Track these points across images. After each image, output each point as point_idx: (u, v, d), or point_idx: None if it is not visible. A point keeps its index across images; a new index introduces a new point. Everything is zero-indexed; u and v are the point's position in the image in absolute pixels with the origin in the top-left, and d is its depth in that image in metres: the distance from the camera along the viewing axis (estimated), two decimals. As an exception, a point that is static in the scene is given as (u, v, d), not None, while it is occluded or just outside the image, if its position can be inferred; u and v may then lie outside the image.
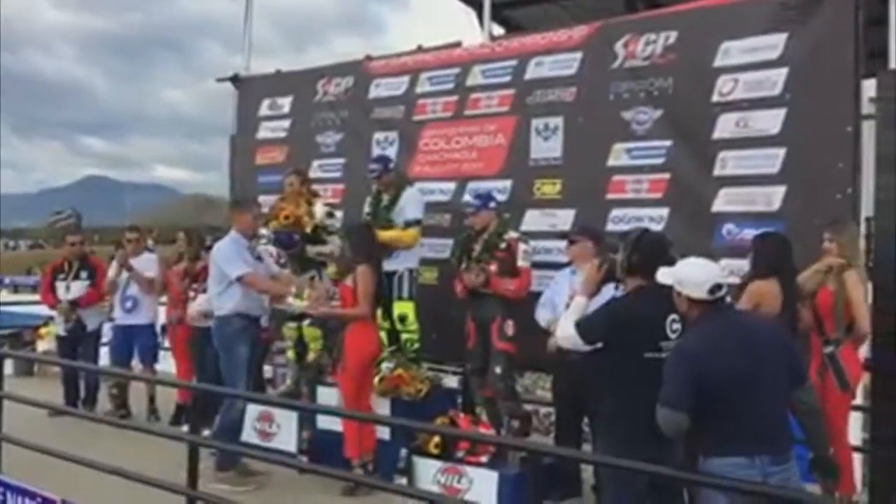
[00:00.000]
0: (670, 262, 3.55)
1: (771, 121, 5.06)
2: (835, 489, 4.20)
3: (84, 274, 7.60)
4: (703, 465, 3.23)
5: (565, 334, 3.74)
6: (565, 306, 4.57)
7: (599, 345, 3.69)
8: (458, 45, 6.82)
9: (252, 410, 6.19)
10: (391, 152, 6.77)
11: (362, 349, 5.40)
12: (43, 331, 9.96)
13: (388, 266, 6.01)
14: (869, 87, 4.78)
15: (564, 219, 5.90)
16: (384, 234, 5.90)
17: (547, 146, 6.05)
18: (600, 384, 3.73)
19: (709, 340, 3.25)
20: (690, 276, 3.35)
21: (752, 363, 3.20)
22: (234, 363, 5.62)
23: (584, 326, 3.67)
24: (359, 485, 5.19)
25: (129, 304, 7.46)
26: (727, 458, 3.16)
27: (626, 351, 3.57)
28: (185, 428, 5.86)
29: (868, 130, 4.78)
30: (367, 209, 6.29)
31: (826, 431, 3.60)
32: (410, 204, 6.09)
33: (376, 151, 6.87)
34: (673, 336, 3.54)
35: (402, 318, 5.99)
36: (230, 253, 5.63)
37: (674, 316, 3.55)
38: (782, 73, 5.05)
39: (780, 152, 5.02)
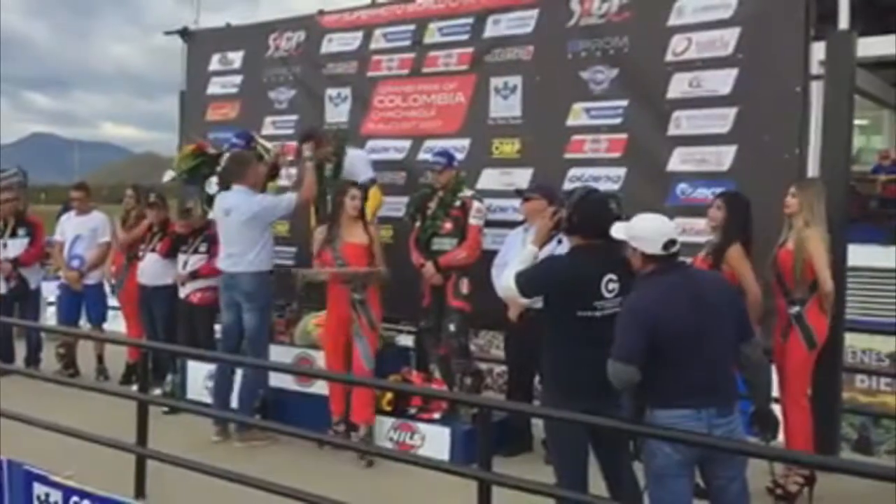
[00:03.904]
0: (610, 223, 3.61)
1: (722, 81, 5.08)
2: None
3: (21, 231, 7.42)
4: (650, 417, 3.31)
5: (507, 285, 3.78)
6: None
7: (539, 303, 3.74)
8: (412, -1, 6.71)
9: (204, 369, 6.16)
10: (344, 109, 6.67)
11: (379, 309, 5.46)
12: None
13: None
14: (818, 50, 4.85)
15: (522, 178, 5.87)
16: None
17: (506, 105, 6.01)
18: (542, 341, 3.79)
19: (661, 295, 3.30)
20: (645, 231, 3.40)
21: (701, 317, 3.26)
22: (269, 321, 5.77)
23: (522, 280, 3.70)
24: (325, 443, 5.20)
25: (77, 264, 7.32)
26: (674, 409, 3.23)
27: (561, 308, 3.64)
28: (134, 387, 5.82)
29: (816, 91, 4.85)
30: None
31: (769, 386, 3.70)
32: (359, 166, 6.02)
33: (329, 108, 6.77)
34: (609, 295, 3.60)
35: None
36: (265, 199, 5.72)
37: (610, 276, 3.60)
38: (734, 32, 5.06)
39: (731, 112, 5.06)
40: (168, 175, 6.59)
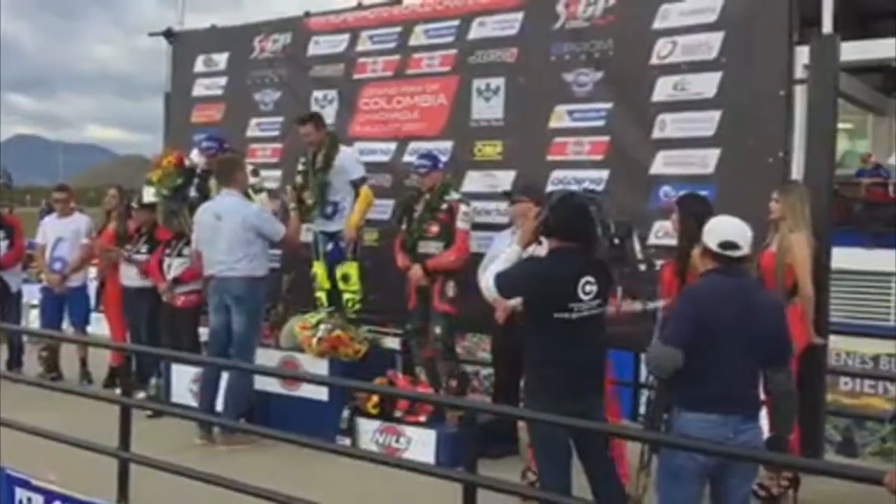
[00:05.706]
0: (588, 226, 3.61)
1: (707, 84, 5.10)
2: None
3: (0, 234, 7.33)
4: (675, 419, 3.29)
5: (488, 285, 3.79)
6: None
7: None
8: (399, 2, 6.71)
9: (188, 373, 6.11)
10: (330, 111, 6.65)
11: None
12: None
13: (331, 227, 5.98)
14: (802, 54, 4.87)
15: (505, 180, 5.87)
16: (354, 218, 5.84)
17: (488, 107, 6.01)
18: (524, 342, 3.80)
19: (713, 291, 3.31)
20: (715, 226, 3.42)
21: (746, 325, 3.25)
22: (258, 327, 5.76)
23: (501, 280, 3.73)
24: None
25: (58, 266, 7.25)
26: (703, 413, 3.22)
27: (538, 309, 3.67)
28: (117, 390, 5.78)
29: (800, 95, 4.88)
30: (300, 168, 6.12)
31: (792, 418, 3.67)
32: (351, 164, 6.00)
33: (315, 110, 6.76)
34: (585, 298, 3.61)
35: (346, 278, 5.94)
36: (264, 214, 5.78)
37: (588, 278, 3.62)
38: (719, 36, 5.09)
39: (716, 115, 5.08)
40: (148, 193, 6.57)
